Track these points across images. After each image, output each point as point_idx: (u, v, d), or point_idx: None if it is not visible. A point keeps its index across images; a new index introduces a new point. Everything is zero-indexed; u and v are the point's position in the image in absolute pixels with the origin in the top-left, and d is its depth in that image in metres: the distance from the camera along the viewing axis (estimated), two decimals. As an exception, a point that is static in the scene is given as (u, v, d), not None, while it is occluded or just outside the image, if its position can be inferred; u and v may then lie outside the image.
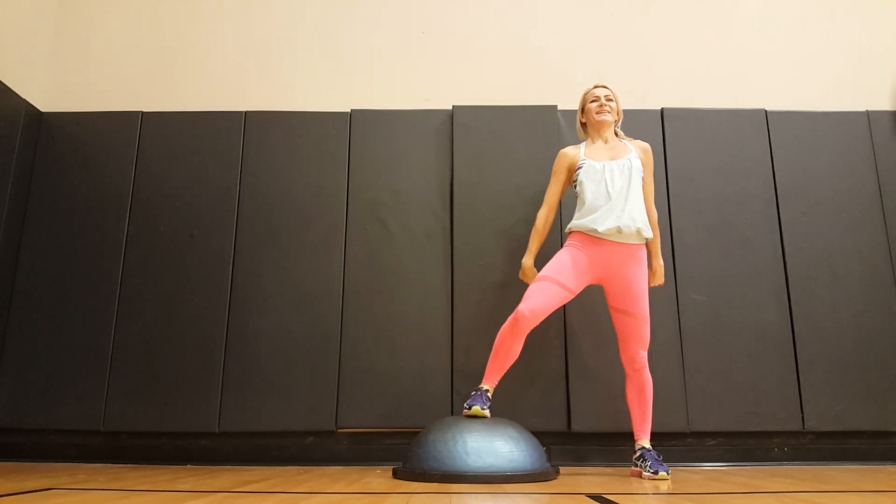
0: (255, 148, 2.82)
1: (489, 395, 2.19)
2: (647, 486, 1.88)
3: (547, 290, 2.19)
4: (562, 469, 2.34)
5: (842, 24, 3.16)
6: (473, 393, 2.19)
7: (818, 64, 3.10)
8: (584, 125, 2.46)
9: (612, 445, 2.52)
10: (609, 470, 2.34)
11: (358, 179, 2.78)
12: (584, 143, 2.42)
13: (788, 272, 2.65)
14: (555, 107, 2.84)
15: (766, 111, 2.84)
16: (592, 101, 2.40)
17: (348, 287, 2.65)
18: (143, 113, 2.87)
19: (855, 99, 2.96)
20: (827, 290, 2.63)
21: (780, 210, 2.72)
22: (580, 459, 2.52)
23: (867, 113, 2.85)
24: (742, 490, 1.72)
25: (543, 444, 2.49)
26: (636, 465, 2.17)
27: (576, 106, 2.84)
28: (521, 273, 2.41)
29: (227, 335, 2.60)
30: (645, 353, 2.23)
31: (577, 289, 2.26)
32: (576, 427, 2.49)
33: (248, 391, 2.55)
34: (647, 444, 2.18)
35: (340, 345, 2.59)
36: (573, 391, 2.52)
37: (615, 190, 2.23)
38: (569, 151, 2.41)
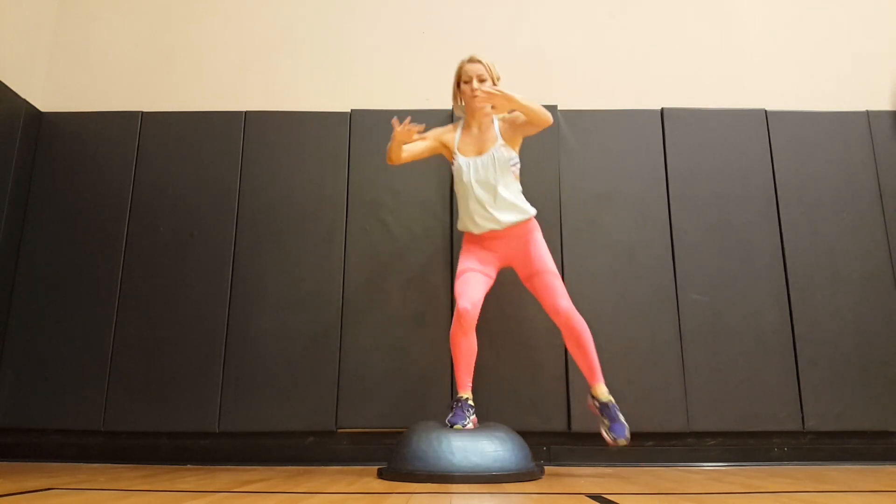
0: (255, 148, 2.82)
1: (470, 402, 2.18)
2: (648, 485, 1.87)
3: (473, 280, 2.22)
4: (562, 469, 2.35)
5: (842, 25, 3.16)
6: (454, 405, 2.18)
7: (818, 64, 3.10)
8: (460, 100, 2.38)
9: (612, 445, 2.52)
10: (609, 470, 2.34)
11: (358, 179, 2.78)
12: (461, 125, 2.39)
13: (788, 272, 2.65)
14: (555, 107, 2.83)
15: (766, 111, 2.84)
16: (465, 82, 2.30)
17: (348, 287, 2.65)
18: (143, 113, 2.87)
19: (855, 99, 2.96)
20: (827, 290, 2.63)
21: (780, 210, 2.72)
22: (580, 459, 2.51)
23: (867, 113, 2.85)
24: (742, 490, 1.72)
25: (543, 444, 2.51)
26: (596, 409, 2.15)
27: (576, 106, 2.88)
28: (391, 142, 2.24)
29: (227, 335, 2.60)
30: (567, 304, 2.16)
31: (493, 275, 2.31)
32: (576, 427, 2.49)
33: (248, 391, 2.55)
34: (606, 396, 2.14)
35: (340, 345, 2.59)
36: (573, 391, 2.52)
37: (480, 194, 2.25)
38: (448, 128, 2.39)
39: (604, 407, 2.13)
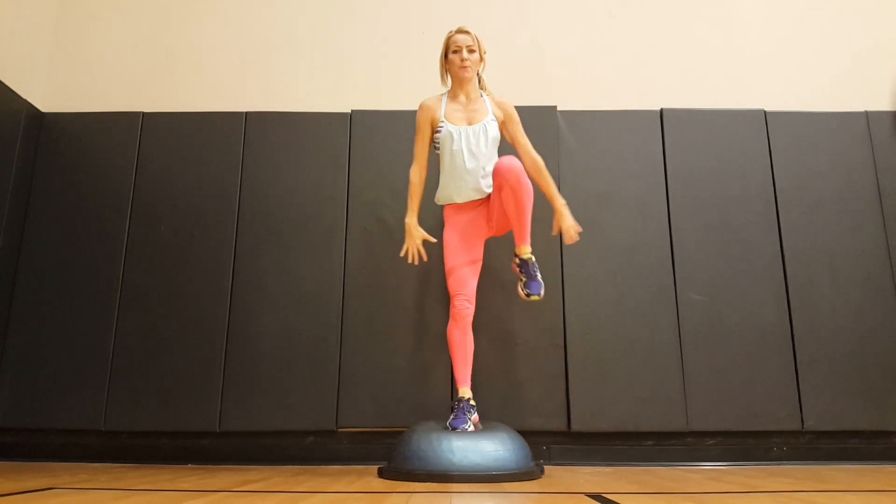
0: (256, 148, 2.82)
1: (471, 402, 2.20)
2: (647, 485, 1.88)
3: (464, 275, 2.27)
4: (562, 469, 2.35)
5: (841, 25, 3.17)
6: (456, 405, 2.19)
7: (818, 64, 3.11)
8: (446, 71, 2.39)
9: (612, 445, 2.52)
10: (609, 470, 2.35)
11: (358, 179, 2.78)
12: (446, 95, 2.38)
13: (788, 272, 2.65)
14: (554, 107, 2.84)
15: (765, 111, 2.85)
16: (454, 52, 2.33)
17: (348, 287, 2.66)
18: (143, 113, 2.87)
19: (854, 99, 2.97)
20: (826, 290, 2.64)
21: (780, 210, 2.73)
22: (580, 459, 2.52)
23: (866, 113, 2.85)
24: (741, 489, 1.72)
25: (543, 444, 2.51)
26: (516, 267, 2.27)
27: (575, 106, 2.88)
28: (406, 234, 2.31)
29: (227, 335, 2.61)
30: (519, 165, 2.13)
31: (481, 253, 2.34)
32: (575, 427, 2.49)
33: (248, 391, 2.55)
34: (528, 254, 2.24)
35: (340, 345, 2.60)
36: (573, 391, 2.52)
37: (469, 162, 2.27)
38: (430, 105, 2.35)
39: (524, 264, 2.25)
